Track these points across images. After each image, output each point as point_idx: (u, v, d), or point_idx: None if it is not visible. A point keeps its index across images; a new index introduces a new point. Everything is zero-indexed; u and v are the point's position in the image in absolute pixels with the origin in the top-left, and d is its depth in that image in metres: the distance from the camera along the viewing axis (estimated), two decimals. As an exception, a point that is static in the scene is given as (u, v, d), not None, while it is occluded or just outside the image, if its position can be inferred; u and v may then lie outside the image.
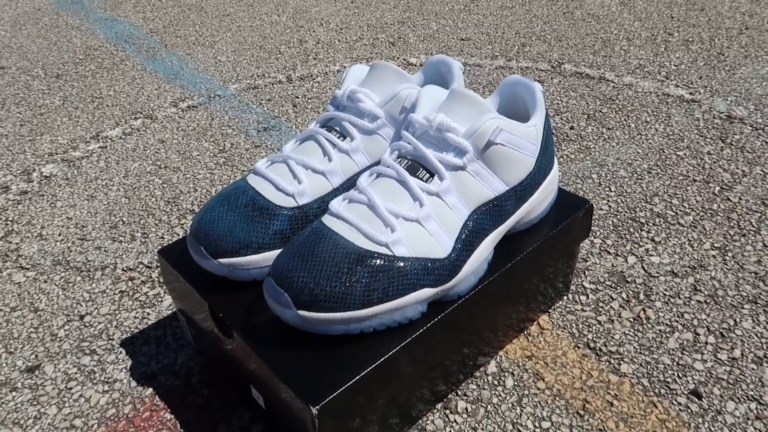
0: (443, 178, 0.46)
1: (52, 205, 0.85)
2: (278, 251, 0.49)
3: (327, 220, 0.46)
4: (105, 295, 0.69)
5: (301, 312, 0.42)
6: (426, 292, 0.45)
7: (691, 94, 1.07)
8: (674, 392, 0.55)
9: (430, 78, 0.59)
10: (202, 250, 0.48)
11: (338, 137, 0.51)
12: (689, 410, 0.53)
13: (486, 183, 0.47)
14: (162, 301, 0.68)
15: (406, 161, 0.47)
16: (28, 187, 0.90)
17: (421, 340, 0.46)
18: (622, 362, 0.58)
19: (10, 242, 0.78)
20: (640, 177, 0.85)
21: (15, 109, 1.14)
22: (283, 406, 0.44)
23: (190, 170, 0.92)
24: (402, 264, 0.43)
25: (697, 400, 0.54)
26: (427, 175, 0.46)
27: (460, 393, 0.56)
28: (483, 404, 0.55)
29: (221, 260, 0.47)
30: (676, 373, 0.57)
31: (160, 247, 0.76)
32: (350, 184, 0.51)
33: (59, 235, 0.79)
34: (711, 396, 0.54)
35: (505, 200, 0.48)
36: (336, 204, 0.46)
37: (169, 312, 0.66)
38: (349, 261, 0.42)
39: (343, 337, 0.45)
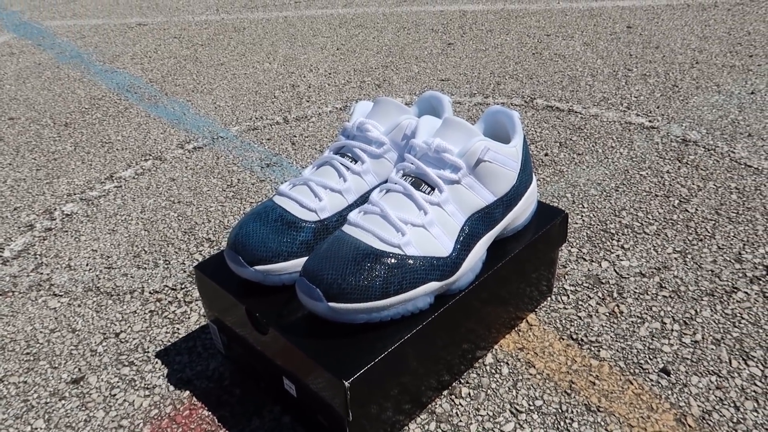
0: (442, 191, 0.55)
1: (77, 239, 0.93)
2: (304, 258, 0.57)
3: (347, 228, 0.54)
4: (136, 314, 0.76)
5: (331, 304, 0.50)
6: (433, 285, 0.53)
7: (650, 121, 1.19)
8: (647, 371, 0.64)
9: (423, 110, 0.69)
10: (240, 260, 0.56)
11: (350, 161, 0.60)
12: (660, 385, 0.62)
13: (478, 194, 0.57)
14: (189, 317, 0.75)
15: (411, 178, 0.56)
16: (51, 225, 0.97)
17: (431, 327, 0.54)
18: (601, 349, 0.67)
19: (41, 273, 0.85)
20: (608, 194, 0.96)
21: (29, 155, 1.22)
22: (315, 388, 0.52)
23: (202, 204, 1.00)
24: (412, 261, 0.52)
25: (666, 376, 0.63)
26: (429, 188, 0.55)
27: (462, 381, 0.64)
28: (483, 389, 0.63)
29: (257, 267, 0.56)
30: (647, 356, 0.65)
31: (182, 271, 0.83)
32: (362, 199, 0.60)
33: (87, 265, 0.86)
34: (678, 372, 0.63)
35: (494, 208, 0.58)
36: (354, 215, 0.55)
37: (197, 326, 0.73)
38: (369, 260, 0.51)
39: (365, 326, 0.53)
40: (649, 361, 0.65)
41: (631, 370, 0.64)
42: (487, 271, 0.59)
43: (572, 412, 0.59)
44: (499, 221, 0.59)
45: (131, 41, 1.84)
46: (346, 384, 0.48)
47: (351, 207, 0.60)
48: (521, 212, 0.62)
